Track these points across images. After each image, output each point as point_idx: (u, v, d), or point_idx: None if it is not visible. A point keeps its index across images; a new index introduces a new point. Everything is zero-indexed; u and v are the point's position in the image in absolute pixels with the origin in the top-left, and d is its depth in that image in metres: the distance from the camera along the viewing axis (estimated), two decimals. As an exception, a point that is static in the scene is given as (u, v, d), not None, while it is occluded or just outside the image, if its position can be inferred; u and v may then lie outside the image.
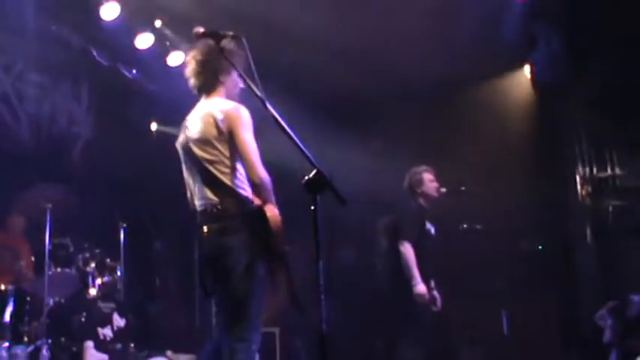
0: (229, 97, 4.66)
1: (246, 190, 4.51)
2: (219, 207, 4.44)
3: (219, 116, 4.46)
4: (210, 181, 4.48)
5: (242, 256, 4.36)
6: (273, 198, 4.46)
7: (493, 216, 8.85)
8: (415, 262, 6.89)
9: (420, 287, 6.82)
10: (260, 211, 4.38)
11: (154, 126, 10.36)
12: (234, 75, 4.59)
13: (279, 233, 4.39)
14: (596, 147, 9.70)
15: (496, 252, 9.34)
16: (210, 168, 4.46)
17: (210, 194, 4.48)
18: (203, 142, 4.49)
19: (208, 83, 4.68)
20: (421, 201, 7.28)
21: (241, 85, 4.63)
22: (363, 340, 9.10)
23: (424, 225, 7.17)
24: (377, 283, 8.81)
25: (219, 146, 4.45)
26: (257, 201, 4.50)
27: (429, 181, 7.30)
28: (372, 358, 9.23)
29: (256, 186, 4.46)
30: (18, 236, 8.31)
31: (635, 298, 8.07)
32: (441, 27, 8.90)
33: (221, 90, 4.67)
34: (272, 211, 4.41)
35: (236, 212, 4.40)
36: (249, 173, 4.45)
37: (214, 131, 4.45)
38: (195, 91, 4.74)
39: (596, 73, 9.35)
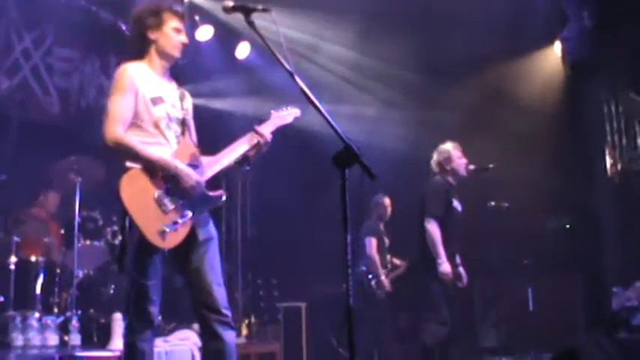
0: (163, 54, 4.46)
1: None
2: None
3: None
4: None
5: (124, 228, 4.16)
6: (143, 156, 4.15)
7: (521, 193, 8.80)
8: (440, 239, 6.87)
9: (445, 266, 6.81)
10: (120, 181, 4.11)
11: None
12: (168, 29, 4.44)
13: (132, 197, 4.07)
14: (626, 124, 9.61)
15: (523, 229, 9.31)
16: None
17: None
18: None
19: (138, 47, 4.49)
20: (449, 178, 7.23)
21: (182, 39, 4.49)
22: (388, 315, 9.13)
23: (451, 202, 7.13)
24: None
25: None
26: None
27: (457, 157, 7.24)
28: (396, 332, 9.26)
29: (106, 149, 4.22)
30: (51, 213, 8.38)
31: (617, 290, 8.03)
32: (471, 3, 8.84)
33: (151, 49, 4.45)
34: (128, 179, 4.12)
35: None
36: None
37: None
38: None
39: (627, 49, 9.25)
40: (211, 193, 4.37)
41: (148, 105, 4.30)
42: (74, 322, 6.90)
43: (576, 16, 9.65)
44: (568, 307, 9.55)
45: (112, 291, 7.60)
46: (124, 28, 9.45)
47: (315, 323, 9.26)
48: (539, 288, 9.44)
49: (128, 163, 4.18)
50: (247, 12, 4.04)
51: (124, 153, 4.19)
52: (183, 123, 4.46)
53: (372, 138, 9.45)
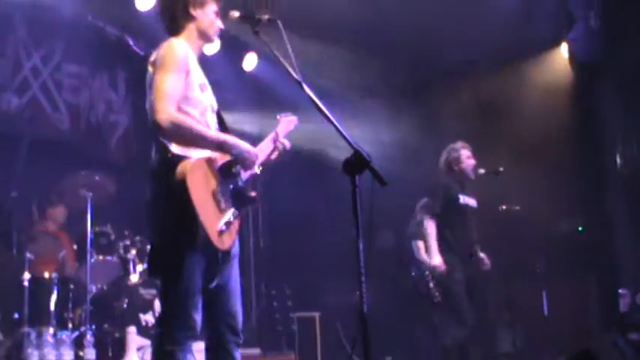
0: (203, 35, 4.02)
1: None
2: (150, 167, 3.76)
3: (152, 59, 3.84)
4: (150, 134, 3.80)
5: (157, 226, 3.72)
6: (206, 136, 3.73)
7: (532, 196, 8.78)
8: (435, 235, 7.06)
9: (435, 260, 7.00)
10: (170, 171, 3.57)
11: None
12: (209, 10, 4.00)
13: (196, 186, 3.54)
14: (635, 126, 9.57)
15: (536, 233, 9.28)
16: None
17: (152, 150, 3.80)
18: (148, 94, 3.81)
19: (173, 22, 4.00)
20: (457, 178, 7.28)
21: (219, 25, 4.07)
22: (403, 322, 9.10)
23: (455, 198, 7.15)
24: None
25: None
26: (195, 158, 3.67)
27: (466, 157, 7.28)
28: (412, 340, 9.23)
29: (160, 133, 3.65)
30: (60, 226, 8.41)
31: (624, 291, 7.98)
32: (477, 6, 8.84)
33: (190, 26, 3.96)
34: (196, 166, 3.61)
35: (156, 173, 3.70)
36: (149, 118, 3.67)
37: (149, 79, 3.82)
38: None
39: (634, 49, 9.23)
40: (250, 193, 3.94)
41: (197, 90, 3.85)
42: (89, 337, 6.92)
43: (583, 16, 9.63)
44: (583, 310, 9.50)
45: (125, 305, 7.60)
46: (131, 43, 9.49)
47: (330, 333, 9.24)
48: (553, 291, 9.38)
49: (175, 150, 3.67)
50: (254, 22, 4.05)
51: (180, 135, 3.66)
52: (219, 116, 4.08)
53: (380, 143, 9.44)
